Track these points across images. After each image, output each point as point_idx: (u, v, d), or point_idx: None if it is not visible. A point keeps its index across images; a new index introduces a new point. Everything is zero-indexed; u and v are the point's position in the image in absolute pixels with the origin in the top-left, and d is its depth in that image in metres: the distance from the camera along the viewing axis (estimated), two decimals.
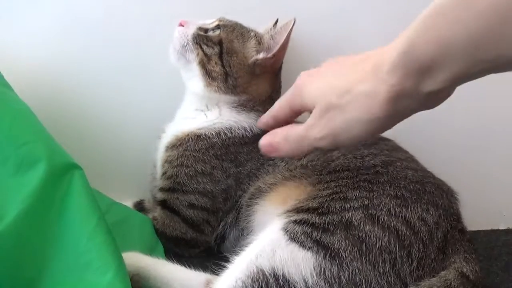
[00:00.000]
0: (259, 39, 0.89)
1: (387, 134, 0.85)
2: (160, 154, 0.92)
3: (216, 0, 0.99)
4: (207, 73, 0.87)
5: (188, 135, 0.87)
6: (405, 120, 0.98)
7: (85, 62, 1.01)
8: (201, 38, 0.88)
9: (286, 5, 0.98)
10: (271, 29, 0.91)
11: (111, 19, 1.00)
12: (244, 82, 0.87)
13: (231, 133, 0.87)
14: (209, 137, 0.86)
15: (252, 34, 0.89)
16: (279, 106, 0.59)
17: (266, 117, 0.61)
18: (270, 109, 0.60)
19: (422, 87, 0.45)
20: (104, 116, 1.03)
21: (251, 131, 0.87)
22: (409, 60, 0.44)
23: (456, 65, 0.42)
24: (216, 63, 0.86)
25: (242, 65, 0.87)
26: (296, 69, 0.99)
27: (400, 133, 0.85)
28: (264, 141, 0.59)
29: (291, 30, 0.85)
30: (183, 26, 0.89)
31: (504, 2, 0.38)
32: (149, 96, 1.02)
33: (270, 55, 0.87)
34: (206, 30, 0.89)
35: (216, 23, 0.90)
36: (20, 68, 0.95)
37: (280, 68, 0.93)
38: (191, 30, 0.89)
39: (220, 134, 0.86)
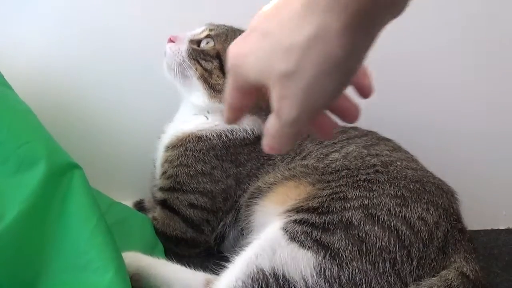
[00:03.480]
0: None
1: (387, 134, 0.86)
2: (159, 154, 0.92)
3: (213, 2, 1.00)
4: (211, 87, 0.86)
5: (189, 135, 0.87)
6: (405, 120, 0.99)
7: (85, 63, 1.01)
8: (197, 53, 0.86)
9: None
10: None
11: (112, 20, 1.00)
12: None
13: (233, 135, 0.86)
14: (210, 139, 0.86)
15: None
16: (230, 96, 0.47)
17: (226, 113, 0.49)
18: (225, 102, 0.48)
19: None
20: (104, 116, 1.03)
21: (253, 133, 0.87)
22: None
23: None
24: (218, 76, 0.86)
25: None
26: None
27: (400, 133, 0.86)
28: (263, 144, 0.47)
29: None
30: (173, 42, 0.87)
31: None
32: (149, 96, 1.02)
33: None
34: (198, 43, 0.88)
35: (206, 32, 0.88)
36: (20, 68, 0.95)
37: None
38: (183, 45, 0.87)
39: (221, 136, 0.86)
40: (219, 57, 0.86)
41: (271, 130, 0.45)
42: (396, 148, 0.81)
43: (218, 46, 0.87)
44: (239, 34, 0.87)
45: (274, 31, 0.39)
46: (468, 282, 0.60)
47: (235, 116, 0.48)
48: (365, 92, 0.47)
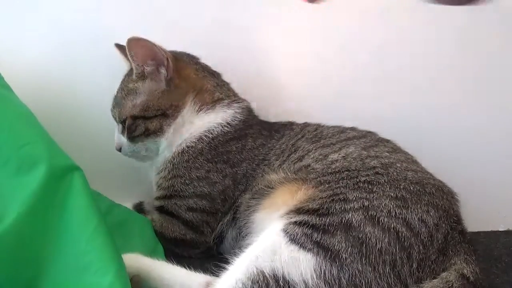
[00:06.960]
0: (137, 78, 0.89)
1: (386, 134, 0.86)
2: (152, 176, 0.94)
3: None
4: (154, 132, 0.88)
5: (172, 155, 0.89)
6: (406, 121, 0.99)
7: (86, 65, 1.01)
8: (129, 136, 0.89)
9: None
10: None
11: (112, 22, 1.00)
12: (178, 96, 0.88)
13: (212, 133, 0.87)
14: (192, 146, 0.87)
15: (130, 86, 0.89)
16: None
17: None
18: None
19: None
20: (104, 118, 1.02)
21: (229, 125, 0.88)
22: None
23: None
24: (151, 123, 0.87)
25: (162, 95, 0.87)
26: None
27: (400, 134, 0.86)
28: None
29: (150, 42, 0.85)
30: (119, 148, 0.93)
31: None
32: None
33: (166, 66, 0.86)
34: (123, 123, 0.90)
35: (118, 122, 0.92)
36: (20, 70, 0.95)
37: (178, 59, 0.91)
38: (124, 142, 0.91)
39: (202, 139, 0.87)
40: (132, 118, 0.88)
41: None
42: (396, 149, 0.81)
43: (126, 114, 0.88)
44: (127, 90, 0.89)
45: None
46: (468, 284, 0.60)
47: None
48: None
